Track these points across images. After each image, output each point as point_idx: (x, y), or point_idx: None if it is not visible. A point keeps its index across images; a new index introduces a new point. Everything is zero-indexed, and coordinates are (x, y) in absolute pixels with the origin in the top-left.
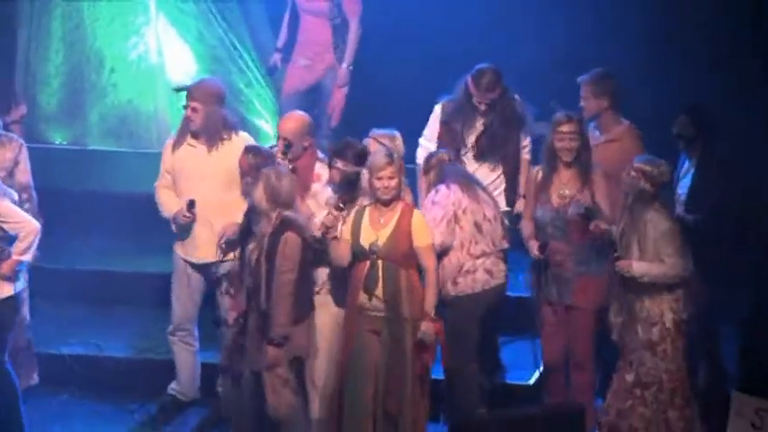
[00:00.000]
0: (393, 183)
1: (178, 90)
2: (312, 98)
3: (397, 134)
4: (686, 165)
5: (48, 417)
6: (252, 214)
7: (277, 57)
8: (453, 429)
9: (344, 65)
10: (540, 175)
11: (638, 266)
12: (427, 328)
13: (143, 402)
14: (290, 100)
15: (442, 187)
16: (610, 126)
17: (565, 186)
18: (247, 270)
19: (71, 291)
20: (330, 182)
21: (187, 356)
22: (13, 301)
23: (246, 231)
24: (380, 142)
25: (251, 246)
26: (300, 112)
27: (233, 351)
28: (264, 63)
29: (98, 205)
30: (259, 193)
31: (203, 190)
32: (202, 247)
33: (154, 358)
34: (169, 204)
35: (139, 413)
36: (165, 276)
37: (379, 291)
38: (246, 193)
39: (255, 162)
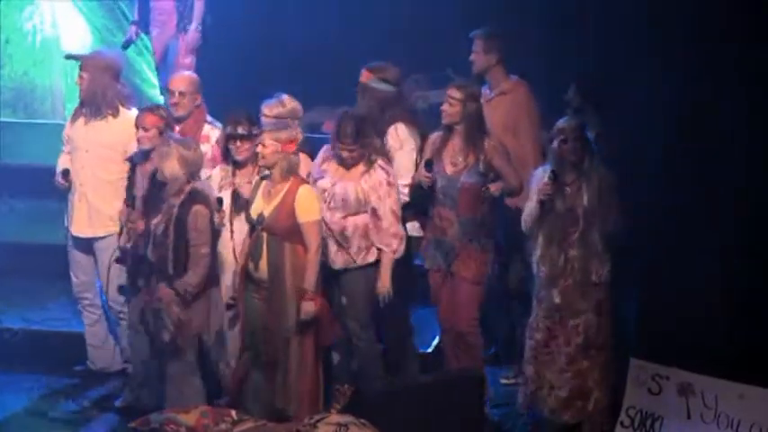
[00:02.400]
0: (246, 146)
1: (70, 58)
2: (164, 68)
3: (285, 97)
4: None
5: None
6: (154, 187)
7: (132, 29)
8: (352, 397)
9: (193, 25)
10: (437, 141)
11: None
12: (306, 306)
13: (40, 373)
14: (158, 71)
15: None
16: (499, 81)
17: (457, 154)
18: (151, 241)
19: None
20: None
21: (91, 326)
22: None
23: (146, 202)
24: (267, 114)
25: (156, 219)
26: (188, 72)
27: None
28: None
29: None
30: (173, 165)
31: (83, 161)
32: (79, 221)
33: (47, 330)
34: (56, 170)
35: (39, 386)
36: (58, 247)
37: (263, 262)
38: (159, 166)
39: (163, 118)
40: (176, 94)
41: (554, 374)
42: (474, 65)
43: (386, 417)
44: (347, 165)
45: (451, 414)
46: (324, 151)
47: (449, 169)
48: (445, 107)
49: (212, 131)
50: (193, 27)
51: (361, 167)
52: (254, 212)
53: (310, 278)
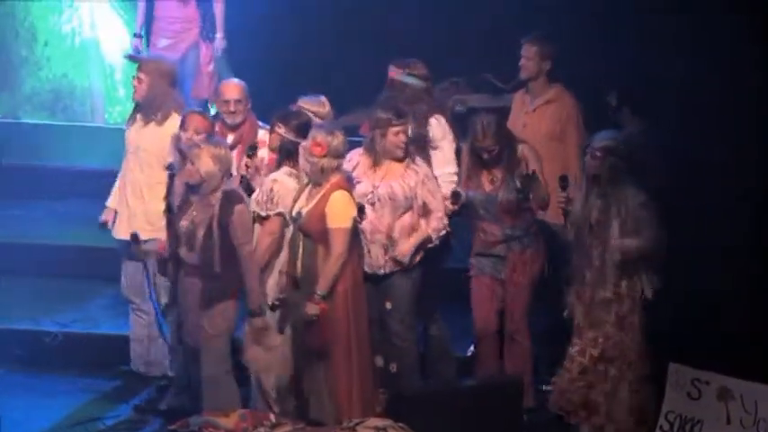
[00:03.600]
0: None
1: (130, 59)
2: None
3: (323, 99)
4: None
5: None
6: (189, 190)
7: (137, 41)
8: (391, 401)
9: (219, 35)
10: (471, 157)
11: (628, 244)
12: (310, 308)
13: (85, 376)
14: None
15: None
16: (543, 89)
17: (493, 171)
18: (186, 245)
19: (4, 264)
20: (269, 145)
21: (137, 330)
22: None
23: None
24: (308, 109)
25: (185, 222)
26: (237, 79)
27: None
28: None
29: (31, 178)
30: (207, 163)
31: (130, 163)
32: (120, 223)
33: (93, 332)
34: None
35: (81, 389)
36: (101, 249)
37: (299, 261)
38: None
39: (210, 122)
40: (232, 102)
41: (566, 382)
42: (524, 70)
43: (424, 420)
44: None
45: (490, 419)
46: (352, 157)
47: (487, 187)
48: (480, 135)
49: (266, 136)
50: (219, 35)
51: (400, 165)
52: (295, 210)
53: (324, 282)
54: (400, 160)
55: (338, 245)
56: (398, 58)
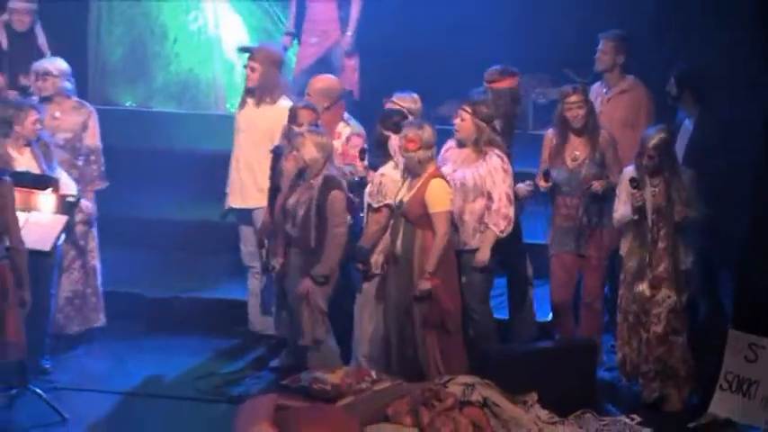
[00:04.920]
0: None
1: (242, 50)
2: (320, 70)
3: (415, 95)
4: (686, 122)
5: (120, 352)
6: (296, 173)
7: (287, 39)
8: (478, 360)
9: (349, 33)
10: (555, 139)
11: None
12: (422, 284)
13: (207, 336)
14: (302, 76)
15: None
16: (617, 80)
17: (576, 150)
18: (290, 220)
19: (137, 237)
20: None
21: (255, 292)
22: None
23: (278, 188)
24: (402, 105)
25: (292, 200)
26: (329, 76)
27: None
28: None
29: (161, 161)
30: (311, 150)
31: (241, 141)
32: (233, 193)
33: (214, 297)
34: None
35: (205, 348)
36: (221, 223)
37: (399, 242)
38: (298, 153)
39: (315, 115)
40: (306, 95)
41: (636, 356)
42: (599, 63)
43: (508, 378)
44: (576, 134)
45: (568, 376)
46: (448, 143)
47: (570, 164)
48: (573, 112)
49: (344, 128)
50: (349, 33)
51: (475, 155)
52: (397, 199)
53: (432, 260)
54: (468, 146)
55: (441, 226)
56: (495, 64)
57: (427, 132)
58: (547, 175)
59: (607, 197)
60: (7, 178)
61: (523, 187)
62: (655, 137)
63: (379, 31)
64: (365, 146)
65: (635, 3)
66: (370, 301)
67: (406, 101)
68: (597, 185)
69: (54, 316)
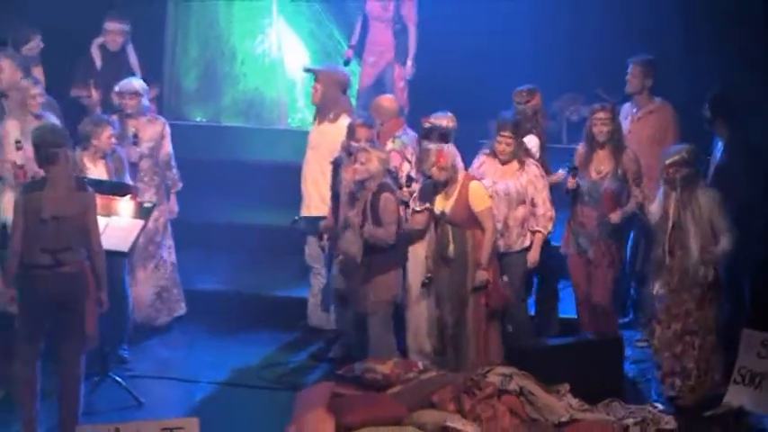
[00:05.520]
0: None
1: (307, 71)
2: (378, 90)
3: (450, 114)
4: (718, 145)
5: (191, 344)
6: (358, 183)
7: (349, 52)
8: (513, 353)
9: (409, 62)
10: (583, 152)
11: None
12: (480, 275)
13: (272, 330)
14: (364, 93)
15: None
16: (646, 102)
17: (601, 164)
18: (350, 226)
19: (209, 240)
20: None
21: (316, 290)
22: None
23: (338, 194)
24: (439, 123)
25: (353, 211)
26: (390, 97)
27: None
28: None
29: (230, 170)
30: (375, 164)
31: (309, 155)
32: (303, 203)
33: (278, 294)
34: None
35: (271, 341)
36: (285, 229)
37: (451, 247)
38: (361, 167)
39: (372, 131)
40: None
41: (655, 353)
42: (629, 86)
43: (542, 370)
44: (600, 148)
45: (596, 369)
46: (479, 157)
47: (593, 176)
48: (599, 128)
49: (390, 144)
50: (409, 63)
51: (515, 166)
52: (437, 209)
53: (485, 254)
54: (510, 162)
55: (488, 221)
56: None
57: (451, 153)
58: (574, 171)
59: (624, 223)
60: (90, 189)
61: (556, 177)
62: (672, 155)
63: (426, 58)
64: (411, 172)
65: (665, 28)
66: (421, 300)
67: (442, 119)
68: (614, 218)
69: (145, 309)
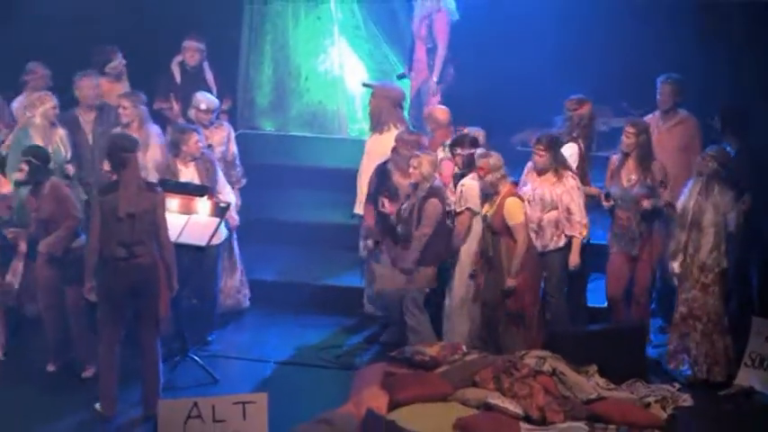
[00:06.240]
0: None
1: (365, 86)
2: (419, 103)
3: (481, 129)
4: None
5: (260, 328)
6: (411, 186)
7: (407, 69)
8: (548, 339)
9: (434, 78)
10: (616, 162)
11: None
12: (508, 282)
13: (331, 315)
14: (411, 105)
15: None
16: (674, 115)
17: (631, 173)
18: (402, 223)
19: (276, 235)
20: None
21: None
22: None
23: (379, 193)
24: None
25: (405, 205)
26: (442, 108)
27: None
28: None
29: (295, 174)
30: (427, 168)
31: (364, 162)
32: (358, 203)
33: (337, 284)
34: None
35: (329, 325)
36: (343, 225)
37: (490, 249)
38: (413, 173)
39: (419, 141)
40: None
41: (670, 333)
42: (661, 104)
43: (573, 353)
44: (629, 160)
45: (622, 353)
46: (528, 164)
47: (625, 183)
48: (623, 139)
49: (441, 152)
50: (434, 78)
51: (551, 177)
52: (484, 212)
53: (515, 263)
54: (547, 171)
55: (520, 234)
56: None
57: (492, 158)
58: (608, 196)
59: (656, 212)
60: (159, 189)
61: (592, 191)
62: (711, 149)
63: (460, 73)
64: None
65: (681, 45)
66: (463, 298)
67: (475, 132)
68: (646, 204)
69: (234, 297)
